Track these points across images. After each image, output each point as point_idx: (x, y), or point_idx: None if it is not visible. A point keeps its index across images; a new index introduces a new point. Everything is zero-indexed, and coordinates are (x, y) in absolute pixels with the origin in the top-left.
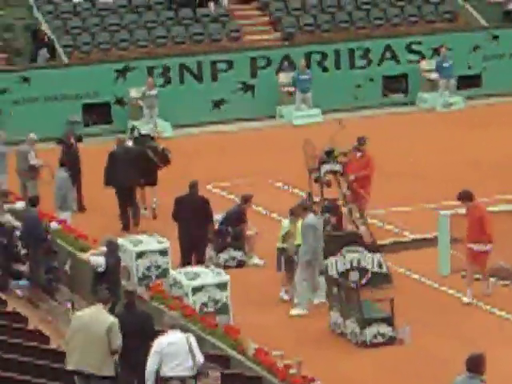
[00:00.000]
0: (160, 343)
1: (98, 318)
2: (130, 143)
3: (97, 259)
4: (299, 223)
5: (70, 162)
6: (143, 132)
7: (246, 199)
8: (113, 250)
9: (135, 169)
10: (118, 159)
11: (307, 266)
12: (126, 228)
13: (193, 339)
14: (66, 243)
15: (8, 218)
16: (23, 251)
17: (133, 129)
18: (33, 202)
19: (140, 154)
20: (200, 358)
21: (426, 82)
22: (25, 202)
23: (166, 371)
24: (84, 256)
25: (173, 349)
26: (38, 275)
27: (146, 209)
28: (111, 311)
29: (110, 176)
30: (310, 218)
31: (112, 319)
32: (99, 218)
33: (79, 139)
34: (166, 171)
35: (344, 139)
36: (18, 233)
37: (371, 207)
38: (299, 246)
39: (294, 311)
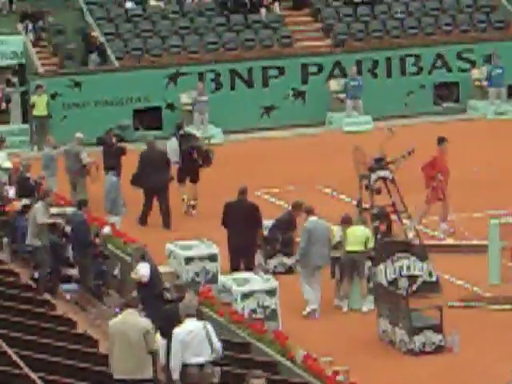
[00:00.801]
0: (179, 332)
1: (132, 322)
2: (173, 139)
3: (144, 271)
4: (349, 230)
5: (112, 161)
6: (189, 131)
7: (297, 206)
8: (149, 258)
9: (164, 170)
10: (148, 161)
11: (301, 266)
12: (142, 222)
13: (209, 326)
14: (115, 247)
15: (59, 221)
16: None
17: (179, 126)
18: (80, 205)
19: (165, 156)
20: (217, 344)
21: (476, 90)
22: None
23: (186, 358)
24: (133, 275)
25: (191, 336)
26: (87, 279)
27: (194, 207)
28: (155, 316)
29: (140, 177)
30: (310, 221)
31: (146, 322)
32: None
33: (121, 139)
34: (216, 177)
35: (394, 147)
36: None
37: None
38: (350, 252)
39: (305, 311)
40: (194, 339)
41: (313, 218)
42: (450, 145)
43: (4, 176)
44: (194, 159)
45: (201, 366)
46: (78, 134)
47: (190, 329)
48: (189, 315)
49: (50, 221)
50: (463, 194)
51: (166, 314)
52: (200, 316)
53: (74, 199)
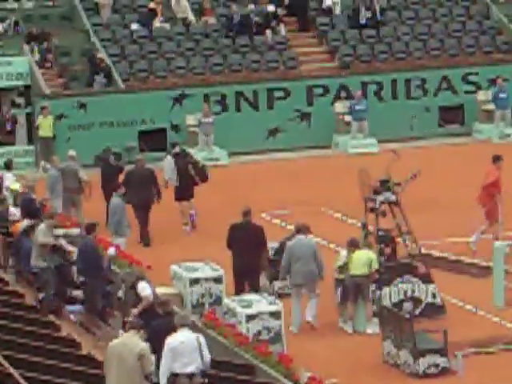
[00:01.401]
0: (171, 341)
1: (130, 346)
2: (169, 158)
3: (148, 291)
4: (355, 254)
5: (110, 180)
6: (183, 148)
7: (301, 228)
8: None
9: (149, 188)
10: (135, 178)
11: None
12: (146, 243)
13: (202, 338)
14: (120, 269)
15: (62, 243)
16: (78, 276)
17: (174, 144)
18: (88, 229)
19: (153, 173)
20: (207, 357)
21: (482, 112)
22: (79, 227)
23: (176, 368)
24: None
25: (183, 347)
26: (94, 301)
27: (186, 224)
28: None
29: (129, 194)
30: (295, 239)
31: (143, 345)
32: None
33: (119, 158)
34: (221, 198)
35: (399, 169)
36: (72, 257)
37: (427, 238)
38: (355, 276)
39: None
40: (185, 349)
41: (299, 237)
42: (452, 168)
43: (10, 197)
44: (191, 175)
45: (190, 376)
46: (72, 152)
47: (181, 339)
48: (183, 325)
49: (50, 242)
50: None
51: (154, 330)
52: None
53: (74, 218)
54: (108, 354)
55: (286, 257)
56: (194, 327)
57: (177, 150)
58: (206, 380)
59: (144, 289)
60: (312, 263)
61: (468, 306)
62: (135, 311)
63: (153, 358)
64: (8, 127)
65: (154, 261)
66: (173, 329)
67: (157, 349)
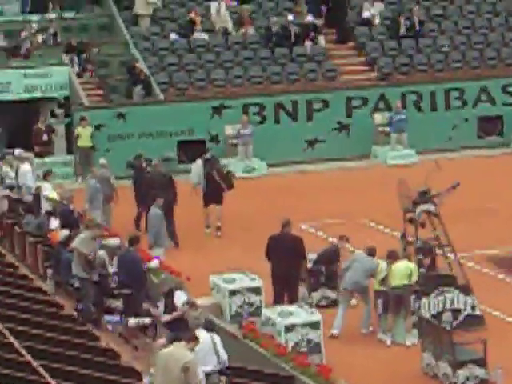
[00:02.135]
0: None
1: (176, 356)
2: (198, 162)
3: (180, 301)
4: (395, 265)
5: (141, 185)
6: (214, 155)
7: (341, 239)
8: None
9: (169, 191)
10: (153, 182)
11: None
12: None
13: (217, 338)
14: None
15: (101, 254)
16: (118, 287)
17: (206, 151)
18: (132, 241)
19: (171, 178)
20: (224, 356)
21: None
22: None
23: None
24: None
25: (199, 347)
26: (137, 312)
27: (208, 227)
28: None
29: (146, 199)
30: (359, 253)
31: (190, 357)
32: (190, 254)
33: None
34: (260, 209)
35: (438, 180)
36: (111, 268)
37: (464, 249)
38: (395, 287)
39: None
40: (202, 349)
41: (360, 252)
42: (491, 179)
43: (49, 207)
44: (217, 182)
45: (207, 374)
46: (103, 160)
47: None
48: (197, 326)
49: (88, 252)
50: (507, 228)
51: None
52: (210, 327)
53: (113, 229)
54: (156, 362)
55: (346, 264)
56: (232, 337)
57: (208, 155)
58: (223, 379)
59: (179, 298)
60: (362, 276)
61: (509, 319)
62: (166, 318)
63: (199, 370)
64: (44, 137)
65: (192, 271)
66: None
67: None
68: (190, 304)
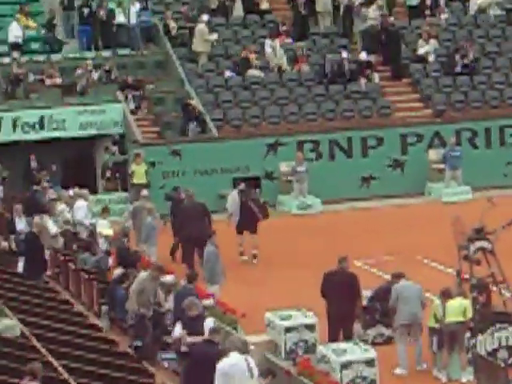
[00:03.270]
0: (222, 366)
1: (238, 364)
2: (233, 193)
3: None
4: (450, 302)
5: (177, 216)
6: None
7: (397, 276)
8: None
9: (202, 222)
10: (187, 213)
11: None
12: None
13: (251, 359)
14: (215, 317)
15: (159, 293)
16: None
17: (240, 183)
18: (190, 278)
19: (205, 207)
20: (257, 374)
21: None
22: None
23: None
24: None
25: (234, 369)
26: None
27: (242, 254)
28: None
29: (181, 229)
30: (401, 282)
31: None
32: (244, 289)
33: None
34: (315, 246)
35: (494, 217)
36: (167, 305)
37: None
38: (450, 324)
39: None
40: (236, 372)
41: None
42: None
43: (104, 244)
44: (252, 211)
45: None
46: (145, 192)
47: (232, 362)
48: (233, 349)
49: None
50: None
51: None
52: (244, 350)
53: (148, 255)
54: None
55: (393, 298)
56: (286, 374)
57: (242, 186)
58: None
59: (208, 325)
60: (417, 306)
61: None
62: (189, 341)
63: None
64: (107, 174)
65: (247, 308)
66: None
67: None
68: (216, 331)
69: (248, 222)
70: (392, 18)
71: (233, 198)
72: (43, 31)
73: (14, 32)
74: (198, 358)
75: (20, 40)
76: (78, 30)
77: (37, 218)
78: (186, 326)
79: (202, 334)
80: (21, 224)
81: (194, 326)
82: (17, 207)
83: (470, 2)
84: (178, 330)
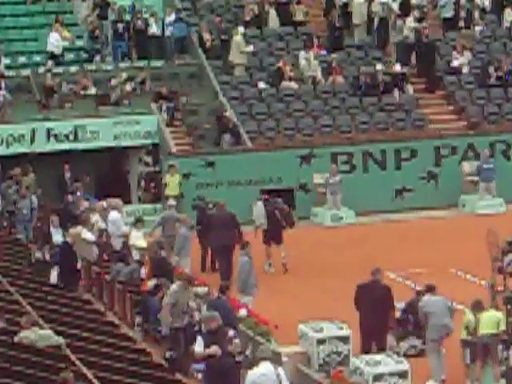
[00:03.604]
0: (253, 374)
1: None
2: (259, 203)
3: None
4: (483, 314)
5: (204, 227)
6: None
7: (429, 288)
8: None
9: (231, 231)
10: (215, 222)
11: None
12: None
13: (281, 370)
14: (247, 328)
15: (191, 305)
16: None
17: (262, 194)
18: (223, 289)
19: (234, 217)
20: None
21: None
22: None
23: None
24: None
25: (263, 379)
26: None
27: (270, 265)
28: None
29: (209, 237)
30: (426, 297)
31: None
32: (277, 300)
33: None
34: (348, 258)
35: None
36: (197, 315)
37: None
38: (483, 337)
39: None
40: (265, 382)
41: (428, 295)
42: None
43: (137, 255)
44: (278, 220)
45: None
46: (171, 202)
47: (262, 372)
48: (264, 359)
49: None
50: None
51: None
52: (276, 360)
53: (178, 264)
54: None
55: (420, 315)
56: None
57: (266, 196)
58: None
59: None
60: (447, 317)
61: None
62: (202, 353)
63: None
64: (142, 185)
65: (280, 319)
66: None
67: None
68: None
69: (274, 231)
70: (427, 31)
71: (258, 209)
72: (77, 42)
73: (53, 42)
74: (214, 372)
75: (59, 50)
76: (113, 44)
77: (72, 229)
78: (207, 339)
79: (224, 346)
80: (57, 235)
81: (214, 338)
82: (53, 218)
83: (505, 13)
84: (199, 344)
